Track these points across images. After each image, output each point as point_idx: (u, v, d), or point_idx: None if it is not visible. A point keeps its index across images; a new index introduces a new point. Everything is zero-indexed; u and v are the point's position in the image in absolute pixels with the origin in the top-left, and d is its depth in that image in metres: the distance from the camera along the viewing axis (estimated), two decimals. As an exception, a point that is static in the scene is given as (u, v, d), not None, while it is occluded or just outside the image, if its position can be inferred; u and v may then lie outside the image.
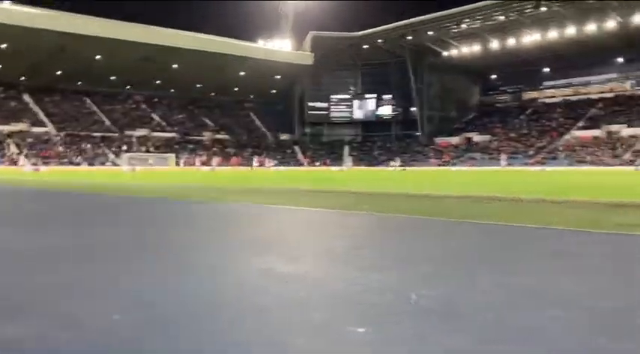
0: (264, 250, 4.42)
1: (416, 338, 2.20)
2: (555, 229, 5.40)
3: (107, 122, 65.56)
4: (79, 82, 66.60)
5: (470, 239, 5.19)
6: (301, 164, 68.47)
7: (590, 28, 56.24)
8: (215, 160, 57.32)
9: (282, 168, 52.83)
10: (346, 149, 74.06)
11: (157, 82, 70.03)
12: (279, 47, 71.32)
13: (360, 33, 68.75)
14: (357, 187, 14.62)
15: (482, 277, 3.39)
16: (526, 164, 55.73)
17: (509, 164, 54.06)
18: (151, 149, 62.40)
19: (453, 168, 53.96)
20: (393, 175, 29.03)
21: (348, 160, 64.98)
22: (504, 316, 2.48)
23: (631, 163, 49.32)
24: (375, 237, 5.60)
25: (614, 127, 58.95)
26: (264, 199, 10.18)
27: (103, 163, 55.53)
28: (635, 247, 4.62)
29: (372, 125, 79.85)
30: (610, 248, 4.52)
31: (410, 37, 65.29)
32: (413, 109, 74.95)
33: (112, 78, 66.41)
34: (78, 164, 53.15)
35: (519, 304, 2.69)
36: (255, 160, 56.23)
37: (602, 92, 67.71)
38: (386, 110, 79.03)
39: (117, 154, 58.57)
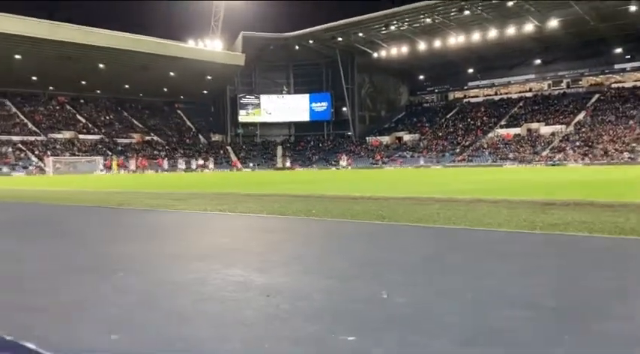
0: (231, 260, 4.49)
1: (403, 343, 2.40)
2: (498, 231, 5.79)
3: (29, 125, 62.44)
4: (-4, 83, 63.20)
5: (423, 243, 5.48)
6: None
7: (511, 31, 59.02)
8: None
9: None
10: (279, 150, 74.06)
11: (82, 82, 67.35)
12: (210, 48, 70.27)
13: (291, 34, 68.92)
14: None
15: (446, 280, 3.64)
16: (453, 162, 57.80)
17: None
18: (77, 153, 59.99)
19: (389, 167, 55.08)
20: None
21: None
22: (476, 318, 2.73)
23: (549, 159, 52.20)
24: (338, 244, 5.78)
25: (533, 125, 62.24)
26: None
27: (25, 168, 52.91)
28: (570, 245, 5.05)
29: (304, 125, 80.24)
30: (553, 248, 4.93)
31: (340, 39, 66.16)
32: (344, 108, 76.02)
33: (33, 78, 63.26)
34: (-1, 170, 50.51)
35: (487, 306, 2.95)
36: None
37: (522, 92, 71.43)
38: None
39: (41, 159, 55.90)
